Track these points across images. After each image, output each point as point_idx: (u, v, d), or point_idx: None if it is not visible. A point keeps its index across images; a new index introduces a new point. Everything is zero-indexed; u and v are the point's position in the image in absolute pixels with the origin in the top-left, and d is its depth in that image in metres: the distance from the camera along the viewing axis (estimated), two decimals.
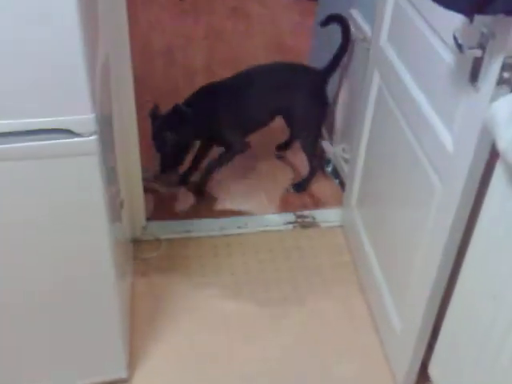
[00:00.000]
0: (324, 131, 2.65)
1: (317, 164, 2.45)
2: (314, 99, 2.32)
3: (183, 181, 2.43)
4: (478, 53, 1.14)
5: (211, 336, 1.83)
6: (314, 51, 2.83)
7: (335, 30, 2.40)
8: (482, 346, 1.26)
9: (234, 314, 1.91)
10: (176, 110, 2.15)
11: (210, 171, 2.37)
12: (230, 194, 2.41)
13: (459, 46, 1.17)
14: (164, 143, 2.17)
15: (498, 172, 1.17)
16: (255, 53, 3.48)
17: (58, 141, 1.19)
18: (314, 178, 2.47)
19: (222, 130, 2.27)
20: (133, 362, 1.72)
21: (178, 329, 1.84)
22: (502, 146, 1.03)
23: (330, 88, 2.48)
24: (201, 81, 2.44)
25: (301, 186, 2.45)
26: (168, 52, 3.42)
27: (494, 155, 1.19)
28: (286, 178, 2.52)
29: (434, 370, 1.54)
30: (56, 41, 1.09)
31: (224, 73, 2.38)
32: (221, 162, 2.35)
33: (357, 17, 2.14)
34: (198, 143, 2.38)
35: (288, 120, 2.40)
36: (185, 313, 1.90)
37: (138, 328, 1.83)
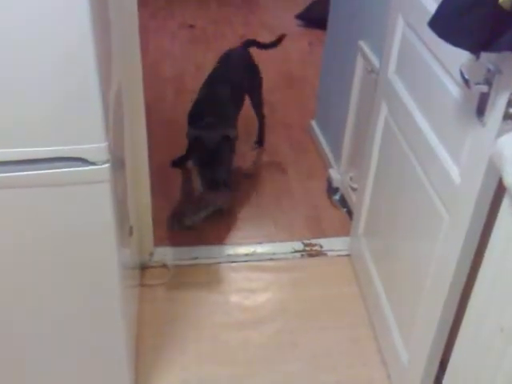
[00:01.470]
0: (332, 160, 2.67)
1: (262, 114, 2.85)
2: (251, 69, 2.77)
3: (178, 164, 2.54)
4: (484, 88, 1.16)
5: (217, 366, 1.82)
6: (323, 80, 2.87)
7: (344, 59, 2.43)
8: (491, 379, 1.25)
9: (240, 344, 1.89)
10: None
11: (228, 167, 2.43)
12: (238, 221, 2.42)
13: (466, 82, 1.20)
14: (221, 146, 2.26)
15: (505, 205, 1.17)
16: (263, 80, 3.52)
17: (71, 169, 1.22)
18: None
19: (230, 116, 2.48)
20: None
21: (183, 357, 1.83)
22: (509, 181, 1.04)
23: (338, 117, 2.51)
24: None
25: (261, 140, 2.89)
26: (178, 79, 3.47)
27: (501, 187, 1.20)
28: (293, 206, 2.53)
29: None
30: (71, 71, 1.12)
31: None
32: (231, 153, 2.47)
33: (365, 48, 2.17)
34: None
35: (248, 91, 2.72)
36: (191, 341, 1.89)
37: (144, 355, 1.82)
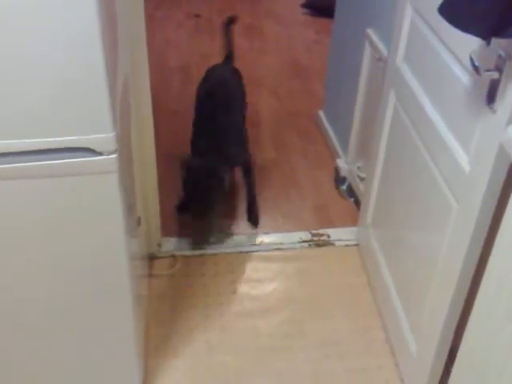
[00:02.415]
0: (339, 149, 2.66)
1: None
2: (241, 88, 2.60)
3: (184, 209, 2.35)
4: (494, 75, 1.15)
5: (226, 355, 1.83)
6: (330, 69, 2.85)
7: (352, 48, 2.41)
8: (500, 370, 1.24)
9: (248, 333, 1.90)
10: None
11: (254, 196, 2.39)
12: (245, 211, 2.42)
13: (476, 68, 1.18)
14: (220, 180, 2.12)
15: None
16: (270, 70, 3.51)
17: (78, 159, 1.21)
18: None
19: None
20: (147, 380, 1.72)
21: (193, 348, 1.84)
22: None
23: (345, 106, 2.49)
24: None
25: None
26: (184, 69, 3.47)
27: (511, 174, 1.19)
28: (301, 196, 2.52)
29: None
30: (78, 62, 1.11)
31: None
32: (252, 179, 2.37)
33: (373, 36, 2.15)
34: None
35: None
36: (199, 330, 1.89)
37: (153, 346, 1.83)
